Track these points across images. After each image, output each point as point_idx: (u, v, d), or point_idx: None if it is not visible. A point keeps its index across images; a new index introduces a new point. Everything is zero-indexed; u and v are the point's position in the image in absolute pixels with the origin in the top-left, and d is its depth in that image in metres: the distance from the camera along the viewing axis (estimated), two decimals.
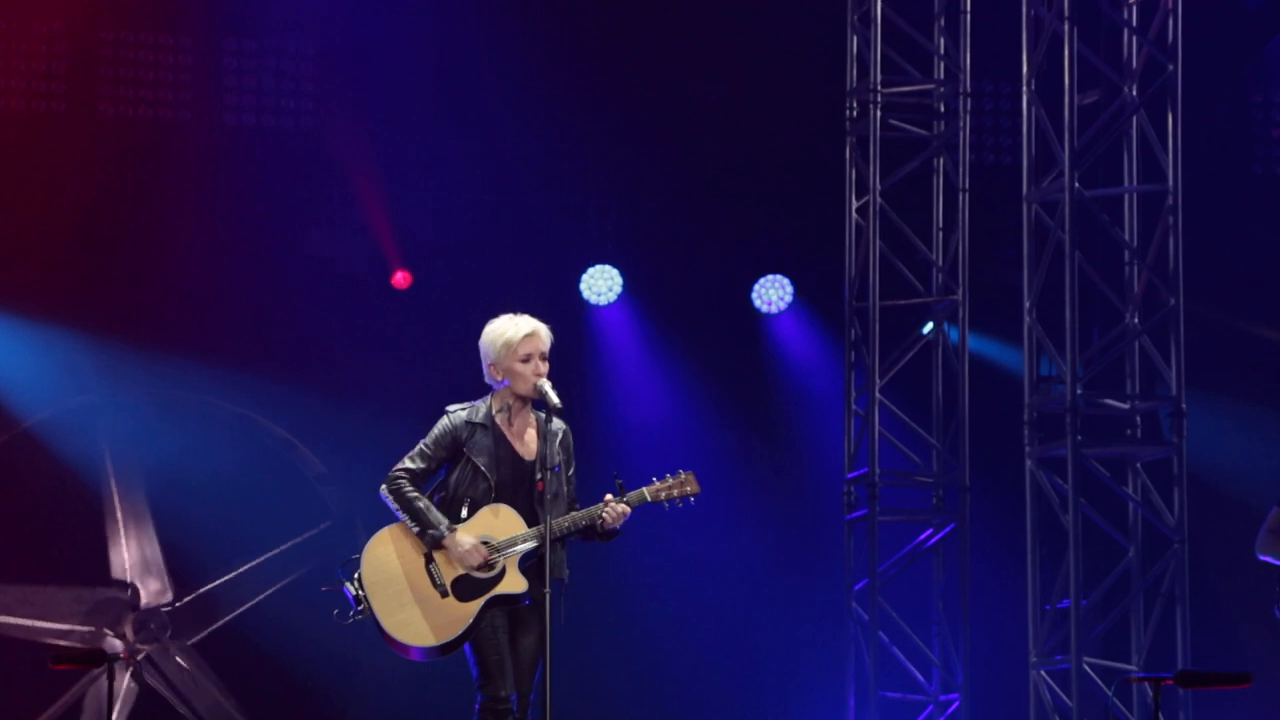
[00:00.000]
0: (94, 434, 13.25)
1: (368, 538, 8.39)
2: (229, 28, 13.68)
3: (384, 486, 8.38)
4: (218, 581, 13.32)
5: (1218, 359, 13.21)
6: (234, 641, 13.31)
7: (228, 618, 13.32)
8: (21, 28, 13.23)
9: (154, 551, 13.30)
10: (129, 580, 13.25)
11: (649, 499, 8.52)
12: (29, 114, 13.25)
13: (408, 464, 8.40)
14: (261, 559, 13.33)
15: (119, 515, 13.28)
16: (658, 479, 8.57)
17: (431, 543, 8.28)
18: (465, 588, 8.30)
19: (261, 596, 13.31)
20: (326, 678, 13.20)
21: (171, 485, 13.24)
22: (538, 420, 8.43)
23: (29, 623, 13.07)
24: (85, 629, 13.13)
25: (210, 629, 13.30)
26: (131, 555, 13.25)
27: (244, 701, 13.18)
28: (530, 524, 8.33)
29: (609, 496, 8.43)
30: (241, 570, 13.32)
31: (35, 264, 13.09)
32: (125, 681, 12.98)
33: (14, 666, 12.86)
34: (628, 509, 8.41)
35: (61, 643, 13.04)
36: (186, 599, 13.30)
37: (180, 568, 13.37)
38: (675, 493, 8.56)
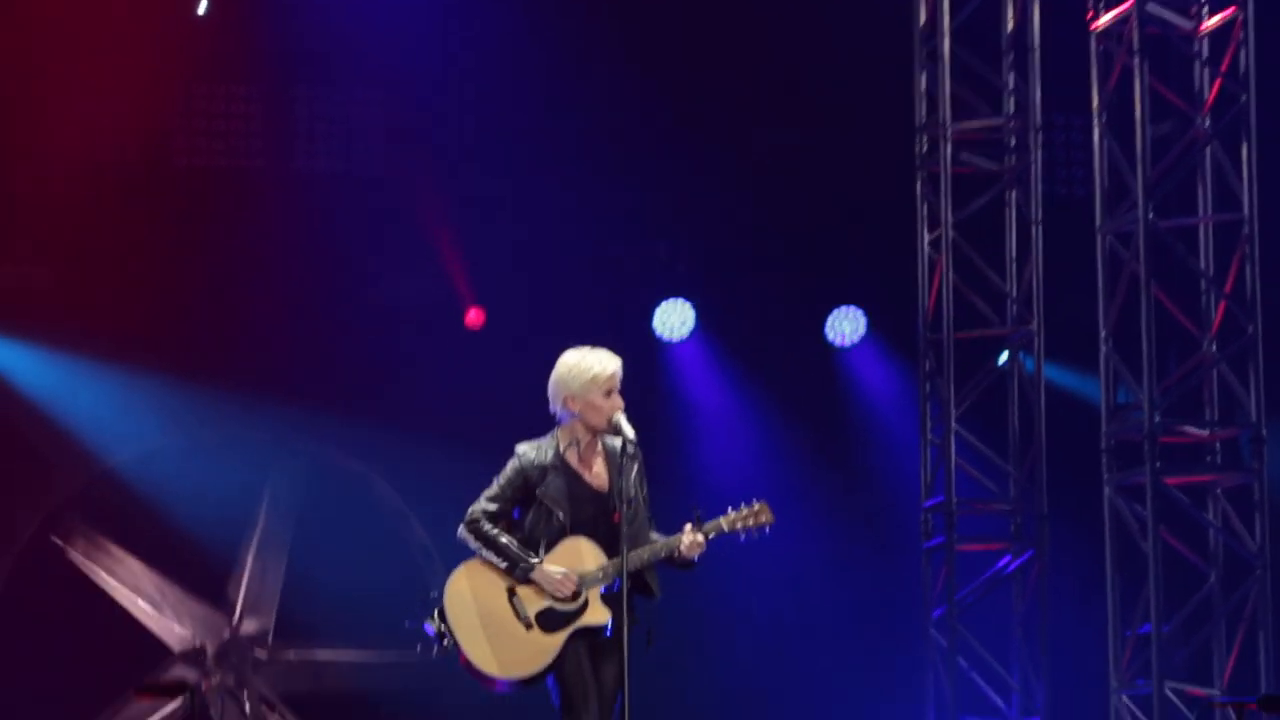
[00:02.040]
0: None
1: (445, 577, 8.44)
2: (300, 76, 13.82)
3: (463, 527, 8.41)
4: (323, 655, 13.43)
5: None
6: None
7: (308, 689, 13.42)
8: (105, 82, 13.38)
9: (274, 588, 13.44)
10: (237, 605, 13.39)
11: (725, 529, 8.52)
12: (112, 164, 13.40)
13: (485, 504, 8.42)
14: (370, 657, 13.43)
15: (255, 542, 13.45)
16: (733, 509, 8.59)
17: (522, 575, 8.31)
18: (549, 620, 8.32)
19: (356, 689, 13.40)
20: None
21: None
22: (607, 449, 8.46)
23: (137, 601, 13.28)
24: (177, 630, 13.28)
25: (290, 692, 13.41)
26: (250, 582, 13.41)
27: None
28: (609, 555, 8.35)
29: (687, 527, 8.45)
30: (350, 660, 13.43)
31: (120, 311, 13.24)
32: (223, 709, 13.08)
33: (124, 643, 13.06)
34: (704, 540, 8.43)
35: (150, 630, 13.22)
36: (286, 656, 13.40)
37: (290, 619, 13.51)
38: (750, 522, 8.57)
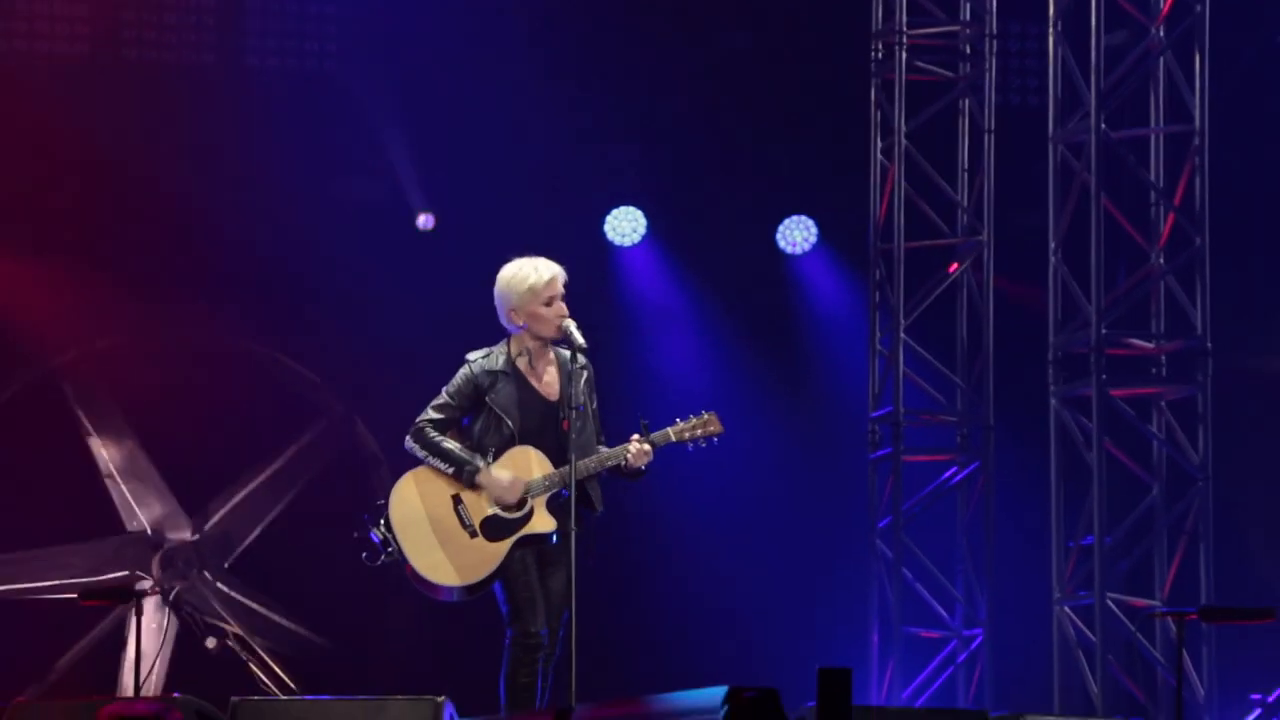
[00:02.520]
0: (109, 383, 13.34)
1: (391, 468, 8.46)
2: None
3: (409, 437, 8.43)
4: (228, 506, 13.40)
5: (1243, 299, 13.20)
6: (261, 564, 13.39)
7: (247, 540, 13.41)
8: None
9: (167, 499, 13.39)
10: (149, 530, 13.34)
11: (673, 439, 8.57)
12: (54, 58, 13.25)
13: (431, 414, 8.44)
14: (279, 463, 13.41)
15: (118, 475, 13.37)
16: (681, 419, 8.62)
17: (468, 479, 8.32)
18: (494, 528, 8.36)
19: (284, 502, 13.39)
20: (347, 628, 13.32)
21: (169, 425, 13.35)
22: (559, 359, 8.47)
23: (56, 582, 13.17)
24: (116, 575, 13.23)
25: (234, 554, 13.39)
26: (148, 511, 13.35)
27: (254, 653, 13.26)
28: (557, 464, 8.37)
29: (634, 437, 8.48)
30: (249, 488, 13.41)
31: (58, 208, 13.12)
32: (166, 618, 13.06)
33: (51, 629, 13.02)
34: (651, 449, 8.46)
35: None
36: (204, 530, 13.38)
37: (194, 506, 13.47)
38: (699, 432, 8.62)
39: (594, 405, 8.54)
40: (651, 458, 8.48)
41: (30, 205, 13.08)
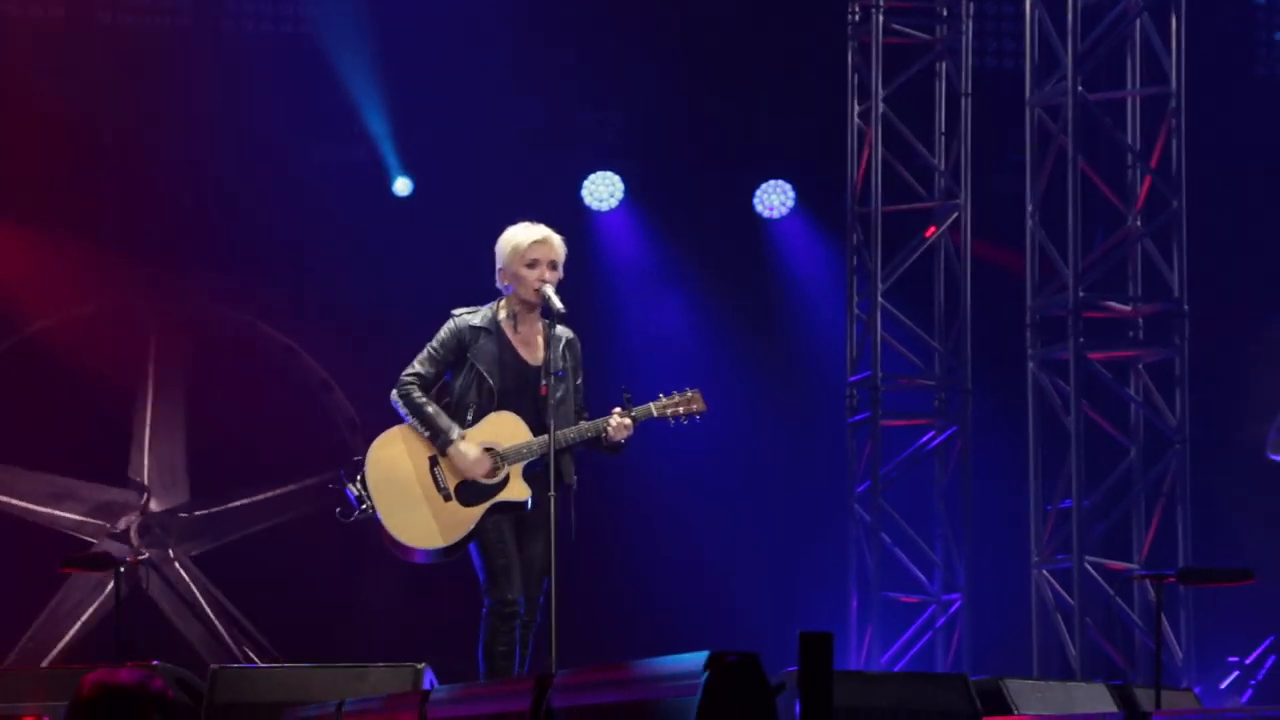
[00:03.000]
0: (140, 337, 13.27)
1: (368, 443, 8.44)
2: None
3: (394, 391, 8.41)
4: (238, 502, 13.40)
5: (1220, 260, 13.22)
6: (238, 562, 13.39)
7: (235, 536, 13.39)
8: None
9: (180, 460, 13.38)
10: (144, 483, 13.33)
11: (655, 414, 8.54)
12: (25, 20, 13.18)
13: (416, 368, 8.42)
14: (281, 490, 13.41)
15: (149, 417, 13.36)
16: (665, 395, 8.57)
17: (442, 448, 8.32)
18: (468, 492, 8.34)
19: (274, 523, 13.39)
20: (328, 598, 13.33)
21: (209, 403, 13.33)
22: (545, 328, 8.45)
23: (43, 509, 13.18)
24: (94, 522, 13.22)
25: (217, 544, 13.38)
26: (153, 459, 13.33)
27: (235, 622, 13.25)
28: (536, 432, 8.35)
29: (616, 410, 8.45)
30: (263, 497, 13.41)
31: (34, 173, 13.05)
32: (147, 582, 13.08)
33: (29, 550, 12.98)
34: (631, 423, 8.44)
35: (72, 533, 13.16)
36: (203, 511, 13.37)
37: (204, 483, 13.47)
38: (681, 410, 8.58)
39: (578, 380, 8.51)
40: (631, 432, 8.45)
41: (5, 172, 13.02)
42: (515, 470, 8.34)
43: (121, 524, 13.29)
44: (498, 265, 8.45)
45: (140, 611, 12.74)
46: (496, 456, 8.33)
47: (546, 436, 8.22)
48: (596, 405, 8.55)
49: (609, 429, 8.39)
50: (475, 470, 8.30)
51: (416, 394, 8.36)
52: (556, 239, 8.44)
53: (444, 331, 8.45)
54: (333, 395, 13.56)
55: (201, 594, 13.26)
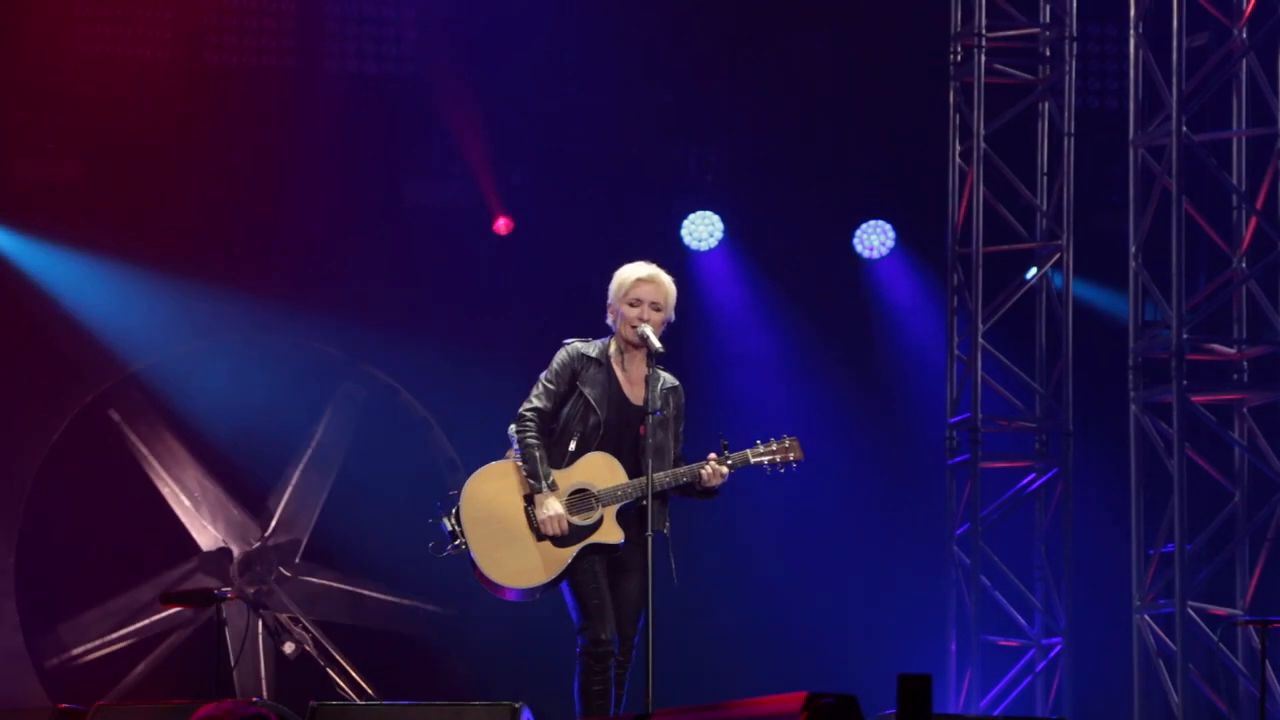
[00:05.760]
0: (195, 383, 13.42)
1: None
2: None
3: (513, 425, 8.40)
4: (284, 499, 13.48)
5: None
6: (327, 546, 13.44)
7: (310, 528, 13.45)
8: None
9: (313, 510, 13.48)
10: (275, 520, 13.46)
11: (751, 461, 8.51)
12: (138, 62, 13.33)
13: (535, 403, 8.40)
14: (392, 596, 13.51)
15: (306, 459, 13.47)
16: (762, 442, 8.54)
17: (533, 493, 8.32)
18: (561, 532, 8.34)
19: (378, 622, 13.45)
20: (427, 636, 13.36)
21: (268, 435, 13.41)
22: (650, 375, 8.42)
23: (187, 503, 13.31)
24: (214, 533, 13.34)
25: (302, 541, 13.45)
26: (291, 500, 13.45)
27: (332, 660, 13.33)
28: (633, 475, 8.35)
29: (711, 456, 8.43)
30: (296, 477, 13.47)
31: (143, 212, 13.20)
32: (247, 623, 13.08)
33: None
34: (727, 470, 8.41)
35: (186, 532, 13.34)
36: (270, 528, 13.45)
37: (255, 507, 13.54)
38: (778, 458, 8.54)
39: (679, 428, 8.51)
40: (725, 479, 8.42)
41: (101, 200, 13.15)
42: (610, 512, 8.33)
43: (227, 546, 13.37)
44: (608, 301, 8.47)
45: (243, 648, 12.83)
46: (592, 498, 8.33)
47: (642, 479, 8.20)
48: (693, 443, 8.53)
49: (704, 474, 8.37)
50: (546, 530, 8.28)
51: (531, 435, 8.34)
52: (664, 280, 8.44)
53: (557, 361, 8.47)
54: (433, 434, 13.60)
55: (304, 626, 13.32)
